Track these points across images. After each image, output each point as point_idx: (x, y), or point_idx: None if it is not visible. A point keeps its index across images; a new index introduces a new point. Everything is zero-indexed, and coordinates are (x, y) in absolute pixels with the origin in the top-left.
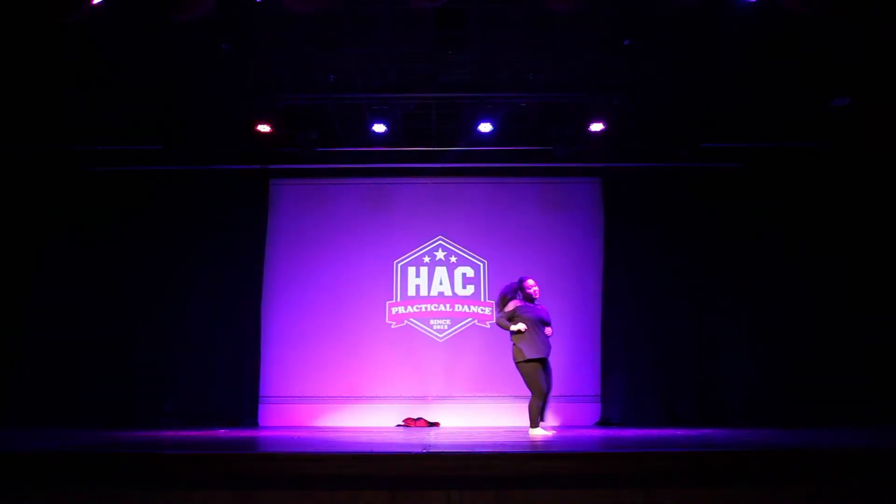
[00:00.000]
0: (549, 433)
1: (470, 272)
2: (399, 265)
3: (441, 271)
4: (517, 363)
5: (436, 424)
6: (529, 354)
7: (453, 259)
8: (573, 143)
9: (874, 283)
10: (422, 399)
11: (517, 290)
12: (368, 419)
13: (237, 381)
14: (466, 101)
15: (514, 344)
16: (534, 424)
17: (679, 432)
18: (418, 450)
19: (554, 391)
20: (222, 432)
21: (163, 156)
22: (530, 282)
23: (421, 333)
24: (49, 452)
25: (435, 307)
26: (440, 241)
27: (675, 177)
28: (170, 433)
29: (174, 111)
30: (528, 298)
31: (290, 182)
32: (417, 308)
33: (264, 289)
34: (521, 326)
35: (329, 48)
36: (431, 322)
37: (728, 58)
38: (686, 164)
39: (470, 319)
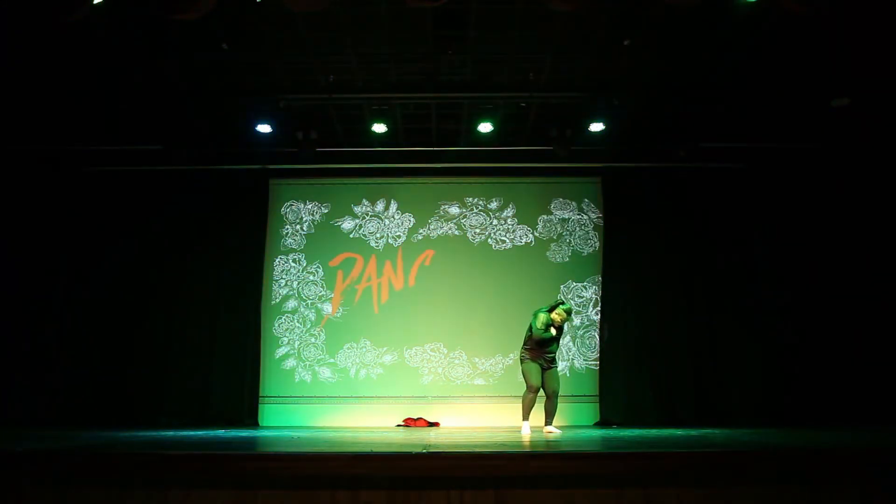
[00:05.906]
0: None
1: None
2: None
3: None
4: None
5: (436, 424)
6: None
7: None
8: (573, 143)
9: (873, 282)
10: (422, 399)
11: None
12: (368, 419)
13: (237, 381)
14: (466, 101)
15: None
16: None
17: (679, 432)
18: (418, 450)
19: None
20: (222, 432)
21: (163, 156)
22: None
23: (422, 332)
24: (49, 452)
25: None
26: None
27: (675, 177)
28: (170, 433)
29: (174, 111)
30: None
31: (290, 182)
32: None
33: (264, 289)
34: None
35: (329, 48)
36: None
37: (728, 57)
38: (686, 164)
39: (470, 318)
